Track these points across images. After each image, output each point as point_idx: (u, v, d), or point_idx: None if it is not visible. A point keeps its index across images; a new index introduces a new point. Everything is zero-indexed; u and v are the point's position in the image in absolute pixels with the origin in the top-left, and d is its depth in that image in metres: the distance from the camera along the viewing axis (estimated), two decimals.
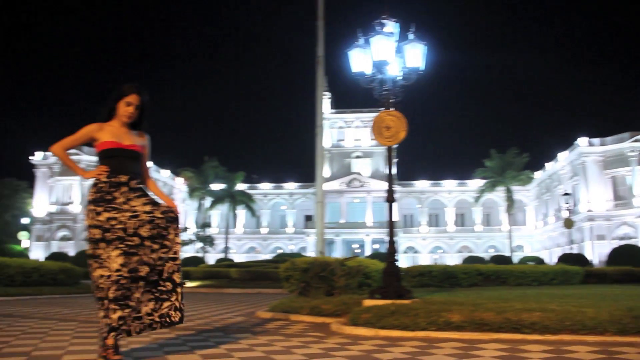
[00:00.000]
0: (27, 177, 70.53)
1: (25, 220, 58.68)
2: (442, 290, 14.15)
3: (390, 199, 7.50)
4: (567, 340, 5.12)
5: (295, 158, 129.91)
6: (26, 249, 49.87)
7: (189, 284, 23.37)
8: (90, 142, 4.21)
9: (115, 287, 3.85)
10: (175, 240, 4.14)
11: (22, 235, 52.97)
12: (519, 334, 5.32)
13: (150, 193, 4.31)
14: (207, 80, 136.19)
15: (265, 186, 78.77)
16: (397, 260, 7.46)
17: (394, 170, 75.28)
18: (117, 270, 3.88)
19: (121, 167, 4.13)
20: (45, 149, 68.01)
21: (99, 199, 4.03)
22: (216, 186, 62.89)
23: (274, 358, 4.19)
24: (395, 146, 7.68)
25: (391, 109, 7.63)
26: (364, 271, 9.81)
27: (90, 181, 4.13)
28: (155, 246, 4.04)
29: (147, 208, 4.09)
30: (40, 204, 65.95)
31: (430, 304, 6.50)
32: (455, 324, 5.62)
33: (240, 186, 66.67)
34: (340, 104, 79.55)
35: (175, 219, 4.17)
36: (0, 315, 7.83)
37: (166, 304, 4.03)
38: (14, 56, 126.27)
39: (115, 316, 3.83)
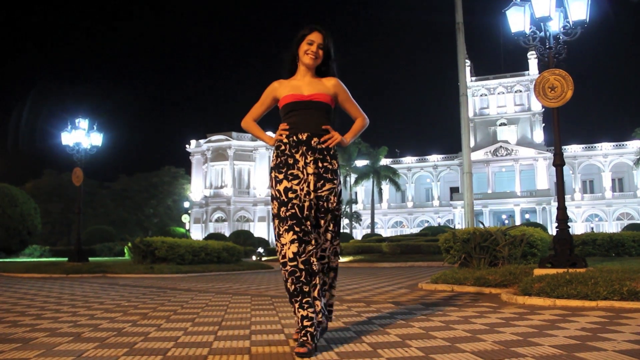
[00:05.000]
0: (184, 164, 75.89)
1: (185, 205, 62.94)
2: (608, 260, 13.41)
3: (558, 162, 7.13)
4: None
5: (437, 130, 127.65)
6: (188, 230, 53.43)
7: (342, 259, 23.89)
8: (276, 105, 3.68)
9: (291, 279, 3.29)
10: (326, 235, 3.48)
11: (185, 218, 56.74)
12: None
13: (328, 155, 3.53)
14: (345, 54, 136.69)
15: (409, 160, 78.19)
16: (569, 227, 7.10)
17: (541, 137, 72.02)
18: (292, 260, 3.28)
19: (301, 122, 3.50)
20: (197, 138, 72.45)
21: (281, 163, 3.47)
22: (360, 162, 63.52)
23: (455, 327, 4.13)
24: (559, 107, 7.25)
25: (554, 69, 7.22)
26: (528, 240, 9.45)
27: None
28: (316, 235, 3.44)
29: (315, 184, 3.44)
30: (197, 188, 70.61)
31: (609, 273, 6.11)
32: None
33: (384, 161, 66.91)
34: (479, 71, 76.99)
35: (328, 211, 3.47)
36: (181, 290, 8.47)
37: (319, 303, 3.37)
38: (169, 57, 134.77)
39: (299, 314, 3.27)
